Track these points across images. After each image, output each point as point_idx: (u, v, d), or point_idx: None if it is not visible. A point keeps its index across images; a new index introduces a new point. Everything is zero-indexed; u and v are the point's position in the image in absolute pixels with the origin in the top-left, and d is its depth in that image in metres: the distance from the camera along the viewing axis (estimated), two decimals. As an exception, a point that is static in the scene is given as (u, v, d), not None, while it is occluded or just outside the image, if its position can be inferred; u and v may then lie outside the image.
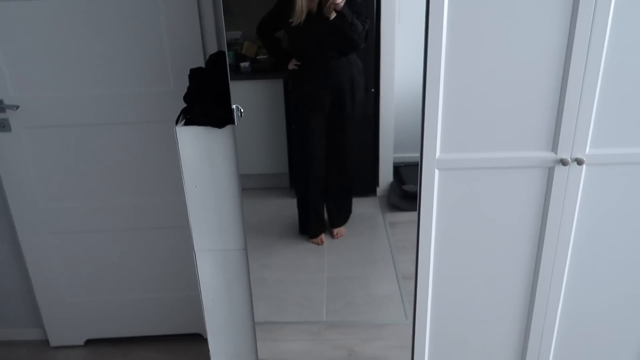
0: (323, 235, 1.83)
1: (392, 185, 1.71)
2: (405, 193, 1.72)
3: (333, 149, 1.61)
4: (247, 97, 1.41)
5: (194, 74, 1.52)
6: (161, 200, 1.99)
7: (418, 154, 1.49)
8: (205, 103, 1.44)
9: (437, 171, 1.46)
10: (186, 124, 1.43)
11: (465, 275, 1.59)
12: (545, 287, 1.58)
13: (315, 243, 1.84)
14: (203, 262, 1.57)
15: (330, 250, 1.78)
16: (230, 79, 1.39)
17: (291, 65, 1.46)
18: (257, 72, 1.44)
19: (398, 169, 1.69)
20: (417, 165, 1.57)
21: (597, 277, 1.60)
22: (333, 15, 1.39)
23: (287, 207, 1.69)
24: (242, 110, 1.39)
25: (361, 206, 1.72)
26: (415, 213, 1.62)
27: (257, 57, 1.44)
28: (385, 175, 1.70)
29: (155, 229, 2.04)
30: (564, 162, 1.42)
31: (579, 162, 1.41)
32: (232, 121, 1.39)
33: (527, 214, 1.51)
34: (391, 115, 1.53)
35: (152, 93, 1.84)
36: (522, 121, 1.40)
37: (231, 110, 1.37)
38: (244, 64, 1.43)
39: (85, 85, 1.83)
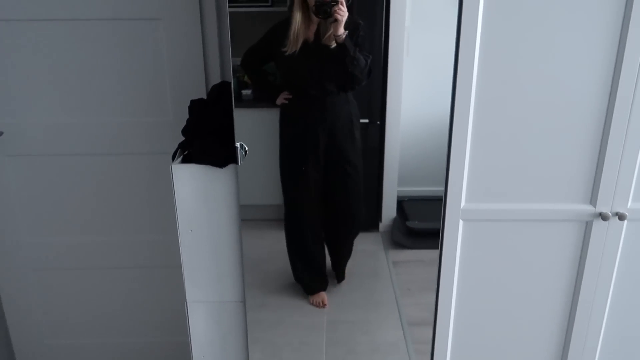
0: (325, 296, 1.68)
1: (395, 221, 1.64)
2: (409, 230, 1.67)
3: (330, 194, 1.48)
4: (248, 125, 1.36)
5: (195, 105, 1.38)
6: (154, 238, 1.83)
7: (423, 189, 1.45)
8: (206, 138, 1.30)
9: (461, 222, 1.31)
10: (184, 160, 1.29)
11: (488, 337, 1.43)
12: (578, 350, 1.42)
13: (315, 304, 1.69)
14: (196, 314, 1.40)
15: (331, 291, 1.69)
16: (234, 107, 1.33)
17: (280, 100, 1.35)
18: (259, 99, 1.41)
19: (402, 203, 1.64)
20: (422, 200, 1.52)
21: (635, 340, 1.43)
22: (333, 44, 1.27)
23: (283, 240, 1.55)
24: (246, 148, 1.24)
25: (363, 242, 1.63)
26: (420, 252, 1.56)
27: None
28: (389, 210, 1.64)
29: (146, 267, 1.87)
30: (603, 217, 1.27)
31: (621, 217, 1.27)
32: (235, 160, 1.24)
33: (560, 270, 1.36)
34: (396, 148, 1.49)
35: (148, 123, 1.70)
36: (558, 171, 1.26)
37: (234, 148, 1.23)
38: (246, 92, 1.39)
39: (75, 112, 1.69)
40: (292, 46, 1.27)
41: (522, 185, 1.28)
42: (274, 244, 1.57)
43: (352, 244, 1.64)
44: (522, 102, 1.21)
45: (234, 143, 1.23)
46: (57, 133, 1.70)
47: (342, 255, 1.66)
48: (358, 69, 1.30)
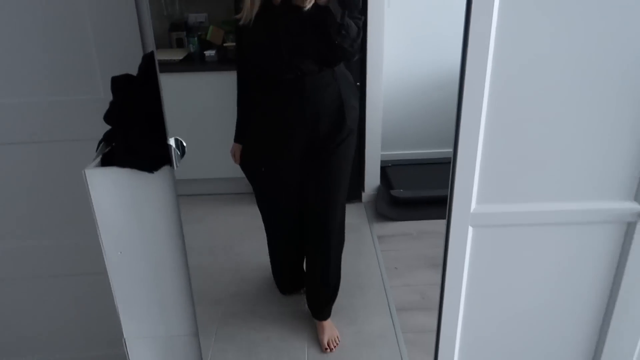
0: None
1: (379, 190, 1.56)
2: (395, 199, 1.56)
3: (311, 203, 1.19)
4: (212, 90, 1.25)
5: (118, 84, 1.04)
6: (83, 242, 1.52)
7: (408, 152, 1.43)
8: (132, 130, 0.97)
9: (470, 229, 1.02)
10: (104, 161, 0.96)
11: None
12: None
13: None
14: (137, 353, 1.11)
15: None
16: (194, 70, 1.22)
17: (234, 151, 1.07)
18: (224, 61, 1.24)
19: (386, 169, 1.55)
20: (407, 165, 1.49)
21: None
22: (308, 5, 0.91)
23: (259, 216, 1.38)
24: (184, 144, 0.92)
25: (346, 216, 1.48)
26: (406, 224, 1.49)
27: (225, 44, 1.23)
28: (372, 178, 1.53)
29: (79, 275, 1.57)
30: (651, 217, 1.00)
31: (674, 217, 0.99)
32: (168, 161, 0.91)
33: (592, 281, 1.10)
34: (379, 109, 1.38)
35: (71, 103, 1.35)
36: (593, 160, 0.98)
37: (167, 145, 0.90)
38: (209, 53, 1.25)
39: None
40: (247, 12, 0.91)
41: (548, 181, 0.99)
42: (248, 220, 1.42)
43: (333, 268, 1.41)
44: (551, 76, 0.91)
45: (165, 138, 0.90)
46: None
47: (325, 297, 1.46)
48: (348, 39, 0.93)
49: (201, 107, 1.39)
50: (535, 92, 0.92)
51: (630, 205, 1.01)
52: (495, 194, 1.00)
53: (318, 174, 1.16)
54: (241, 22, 0.93)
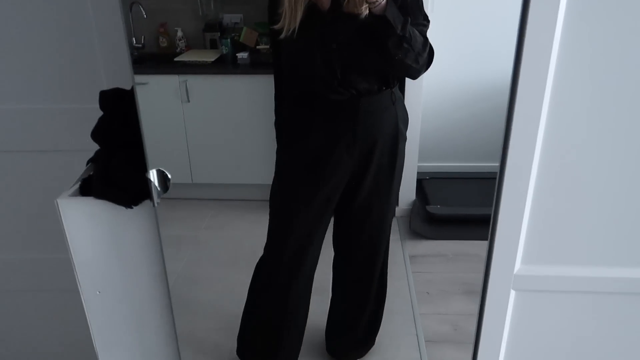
0: None
1: (414, 204, 1.50)
2: (430, 216, 1.50)
3: (347, 247, 1.04)
4: (243, 93, 1.24)
5: (107, 99, 0.91)
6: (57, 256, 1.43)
7: (446, 164, 1.37)
8: (116, 155, 0.83)
9: (513, 292, 0.83)
10: (82, 189, 0.84)
11: None
12: None
13: None
14: (118, 399, 0.99)
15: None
16: (225, 73, 1.23)
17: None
18: (256, 64, 1.25)
19: (422, 183, 1.49)
20: (445, 179, 1.43)
21: None
22: (364, 13, 0.74)
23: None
24: (169, 177, 0.77)
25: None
26: (442, 243, 1.41)
27: (258, 47, 1.24)
28: (407, 193, 1.48)
29: (62, 290, 1.47)
30: None
31: None
32: (149, 196, 0.77)
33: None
34: (417, 120, 1.32)
35: (77, 111, 1.27)
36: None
37: (145, 178, 0.76)
38: (242, 55, 1.26)
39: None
40: (290, 20, 0.77)
41: (610, 241, 0.81)
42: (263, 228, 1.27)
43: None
44: (618, 122, 0.72)
45: (145, 170, 0.76)
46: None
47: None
48: (411, 54, 0.77)
49: (231, 111, 1.33)
50: (598, 139, 0.73)
51: None
52: (545, 254, 0.81)
53: (365, 204, 1.02)
54: (282, 35, 0.78)
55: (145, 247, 0.84)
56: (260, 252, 1.18)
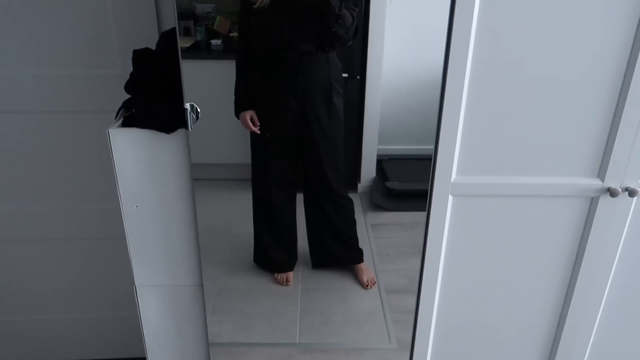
0: (291, 275, 1.52)
1: (374, 181, 1.58)
2: (389, 191, 1.60)
3: (304, 167, 1.31)
4: (217, 79, 1.27)
5: (139, 56, 1.15)
6: (102, 207, 1.62)
7: (404, 147, 1.39)
8: (151, 97, 1.08)
9: (450, 197, 1.14)
10: (125, 123, 1.07)
11: (476, 317, 1.30)
12: (572, 334, 1.30)
13: (279, 281, 1.54)
14: (146, 299, 1.22)
15: (306, 256, 1.60)
16: (200, 58, 1.24)
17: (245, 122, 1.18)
18: (230, 51, 1.26)
19: (382, 162, 1.56)
20: (403, 159, 1.47)
21: (634, 323, 1.32)
22: None
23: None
24: (198, 109, 1.03)
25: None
26: (400, 214, 1.50)
27: (231, 35, 1.26)
28: (368, 171, 1.57)
29: (94, 239, 1.67)
30: (612, 193, 1.11)
31: (632, 193, 1.11)
32: (184, 124, 1.03)
33: (558, 249, 1.22)
34: (377, 104, 1.40)
35: (91, 76, 1.46)
36: (563, 140, 1.10)
37: (183, 109, 1.02)
38: (216, 42, 1.27)
39: (4, 63, 1.43)
40: None
41: (521, 156, 1.11)
42: (247, 205, 1.45)
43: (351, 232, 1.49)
44: (527, 61, 1.02)
45: (182, 104, 1.01)
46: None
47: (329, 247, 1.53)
48: (343, 28, 1.09)
49: (206, 94, 1.45)
50: (511, 79, 1.03)
51: (594, 182, 1.13)
52: (474, 167, 1.11)
53: (311, 140, 1.29)
54: (256, 6, 1.05)
55: (177, 168, 1.08)
56: (236, 224, 1.38)
